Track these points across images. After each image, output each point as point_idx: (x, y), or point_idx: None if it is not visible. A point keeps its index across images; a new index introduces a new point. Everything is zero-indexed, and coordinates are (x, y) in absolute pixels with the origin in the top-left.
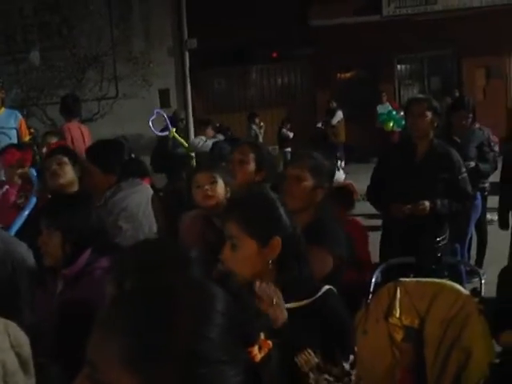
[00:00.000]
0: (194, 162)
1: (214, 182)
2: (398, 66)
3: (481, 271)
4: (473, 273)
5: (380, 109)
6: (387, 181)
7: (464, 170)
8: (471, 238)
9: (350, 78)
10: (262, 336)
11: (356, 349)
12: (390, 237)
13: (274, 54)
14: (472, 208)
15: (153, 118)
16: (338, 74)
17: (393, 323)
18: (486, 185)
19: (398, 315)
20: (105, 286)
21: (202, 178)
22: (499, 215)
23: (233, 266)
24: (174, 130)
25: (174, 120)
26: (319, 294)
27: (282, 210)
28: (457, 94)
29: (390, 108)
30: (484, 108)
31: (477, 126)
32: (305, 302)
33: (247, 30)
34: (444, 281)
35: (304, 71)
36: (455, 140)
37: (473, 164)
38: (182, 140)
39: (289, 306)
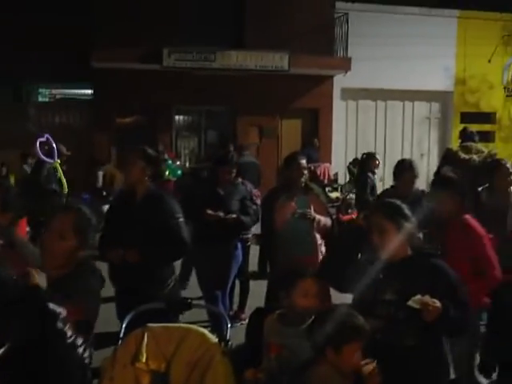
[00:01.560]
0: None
1: None
2: (176, 117)
3: (243, 316)
4: (235, 317)
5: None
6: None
7: (179, 216)
8: (234, 286)
9: (129, 123)
10: None
11: None
12: None
13: (54, 92)
14: (234, 257)
15: (41, 139)
16: (118, 119)
17: (139, 368)
18: (249, 236)
19: (144, 360)
20: None
21: None
22: (259, 263)
23: None
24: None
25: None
26: None
27: None
28: (231, 149)
29: (167, 157)
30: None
31: (239, 180)
32: None
33: (25, 64)
34: (190, 326)
35: (84, 112)
36: (219, 192)
37: (234, 216)
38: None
39: None
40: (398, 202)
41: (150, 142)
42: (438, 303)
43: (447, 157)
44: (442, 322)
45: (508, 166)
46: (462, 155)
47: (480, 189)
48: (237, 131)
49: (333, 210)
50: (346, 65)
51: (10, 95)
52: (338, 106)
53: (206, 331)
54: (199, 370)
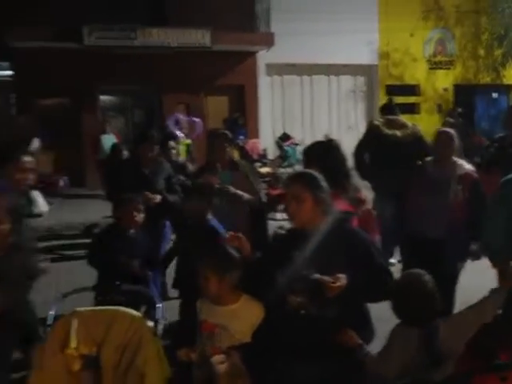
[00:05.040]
0: None
1: None
2: (101, 97)
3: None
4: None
5: (105, 139)
6: None
7: None
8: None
9: (53, 105)
10: None
11: None
12: None
13: None
14: (163, 237)
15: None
16: (41, 100)
17: (69, 353)
18: None
19: (74, 345)
20: None
21: None
22: None
23: None
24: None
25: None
26: None
27: None
28: (168, 130)
29: (115, 140)
30: None
31: (174, 157)
32: None
33: None
34: (118, 308)
35: (5, 93)
36: (143, 172)
37: (159, 197)
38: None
39: None
40: (316, 173)
41: (75, 123)
42: (340, 278)
43: (370, 130)
44: (353, 292)
45: (449, 134)
46: (385, 130)
47: (427, 159)
48: (163, 110)
49: (264, 185)
50: (268, 40)
51: None
52: (264, 81)
53: (135, 312)
54: (130, 351)
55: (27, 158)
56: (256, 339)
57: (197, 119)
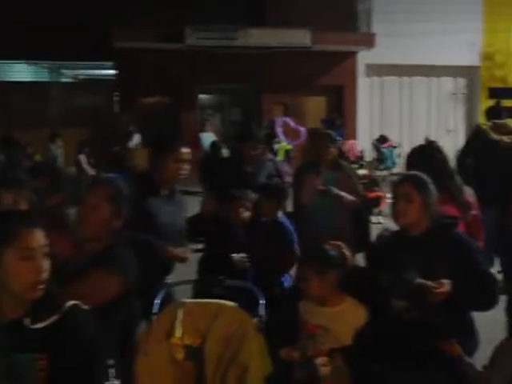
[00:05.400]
0: None
1: None
2: (200, 96)
3: None
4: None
5: (204, 137)
6: None
7: None
8: None
9: (153, 103)
10: None
11: (137, 369)
12: None
13: (78, 73)
14: None
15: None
16: (142, 99)
17: (174, 343)
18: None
19: (179, 335)
20: None
21: None
22: None
23: None
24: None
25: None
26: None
27: None
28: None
29: (214, 138)
30: None
31: (269, 156)
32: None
33: (51, 44)
34: (224, 301)
35: (107, 92)
36: (245, 170)
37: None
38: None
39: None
40: (426, 177)
41: (174, 121)
42: (444, 284)
43: (476, 134)
44: (458, 299)
45: None
46: (492, 135)
47: None
48: (262, 109)
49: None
50: (369, 40)
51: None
52: (363, 82)
53: (238, 307)
54: (233, 345)
55: (185, 150)
56: (358, 342)
57: (302, 128)
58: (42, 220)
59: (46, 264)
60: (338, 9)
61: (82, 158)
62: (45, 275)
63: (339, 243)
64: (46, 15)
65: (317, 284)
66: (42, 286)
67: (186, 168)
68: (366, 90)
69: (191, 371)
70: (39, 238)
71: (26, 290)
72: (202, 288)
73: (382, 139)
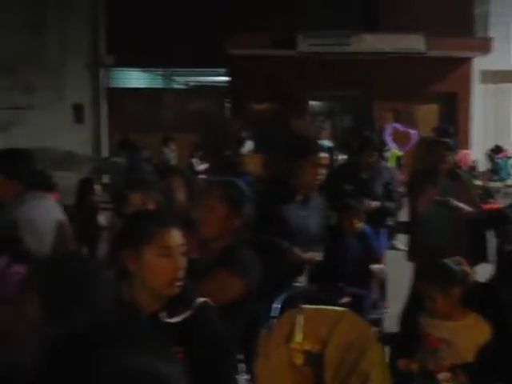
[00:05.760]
0: None
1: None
2: (311, 102)
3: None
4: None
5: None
6: None
7: None
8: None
9: (264, 109)
10: None
11: (257, 371)
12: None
13: (191, 79)
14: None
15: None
16: (254, 105)
17: (293, 348)
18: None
19: (299, 340)
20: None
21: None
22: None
23: None
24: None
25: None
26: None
27: None
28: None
29: (331, 145)
30: None
31: (383, 164)
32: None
33: (165, 52)
34: (344, 309)
35: (219, 99)
36: (362, 177)
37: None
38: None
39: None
40: None
41: (285, 128)
42: None
43: None
44: None
45: None
46: None
47: None
48: (372, 116)
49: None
50: (486, 46)
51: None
52: (477, 89)
53: (358, 315)
54: (354, 352)
55: (323, 154)
56: (481, 359)
57: (413, 131)
58: (178, 220)
59: (183, 262)
60: (453, 13)
61: (195, 161)
62: (182, 273)
63: (459, 258)
64: (161, 23)
65: (442, 301)
66: (179, 283)
67: (322, 173)
68: (480, 97)
69: (310, 377)
70: (176, 237)
71: (165, 286)
72: (311, 295)
73: (497, 149)
